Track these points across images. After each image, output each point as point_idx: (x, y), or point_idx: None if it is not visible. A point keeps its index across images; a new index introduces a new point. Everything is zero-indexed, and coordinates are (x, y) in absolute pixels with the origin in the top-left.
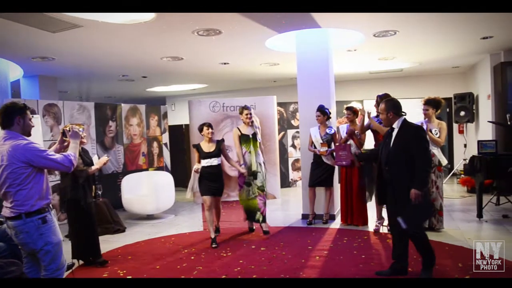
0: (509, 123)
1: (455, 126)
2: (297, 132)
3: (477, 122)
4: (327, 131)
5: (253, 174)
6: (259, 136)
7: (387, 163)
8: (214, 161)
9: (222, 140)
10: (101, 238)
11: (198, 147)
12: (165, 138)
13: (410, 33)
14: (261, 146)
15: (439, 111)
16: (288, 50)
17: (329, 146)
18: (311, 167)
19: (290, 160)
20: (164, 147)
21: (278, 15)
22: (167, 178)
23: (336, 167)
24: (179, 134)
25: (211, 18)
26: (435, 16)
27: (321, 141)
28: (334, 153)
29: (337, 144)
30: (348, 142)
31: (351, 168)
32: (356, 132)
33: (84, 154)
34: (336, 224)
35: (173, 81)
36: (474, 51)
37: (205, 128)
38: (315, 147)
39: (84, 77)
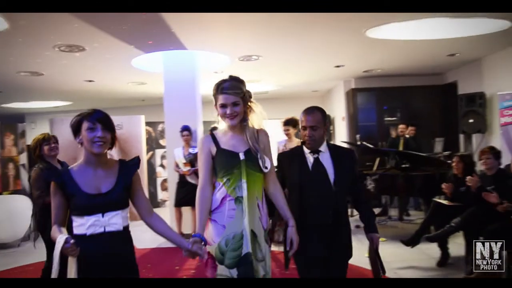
0: (358, 142)
1: None
2: (166, 152)
3: (334, 142)
4: (190, 150)
5: None
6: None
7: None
8: None
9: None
10: None
11: None
12: (23, 158)
13: (272, 58)
14: None
15: (295, 130)
16: (156, 70)
17: (192, 165)
18: (177, 187)
19: (159, 180)
20: (21, 168)
21: (145, 34)
22: (24, 202)
23: None
24: None
25: (74, 34)
26: (294, 44)
27: (184, 161)
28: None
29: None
30: None
31: None
32: None
33: None
34: None
35: (33, 97)
36: (329, 77)
37: None
38: (179, 167)
39: None
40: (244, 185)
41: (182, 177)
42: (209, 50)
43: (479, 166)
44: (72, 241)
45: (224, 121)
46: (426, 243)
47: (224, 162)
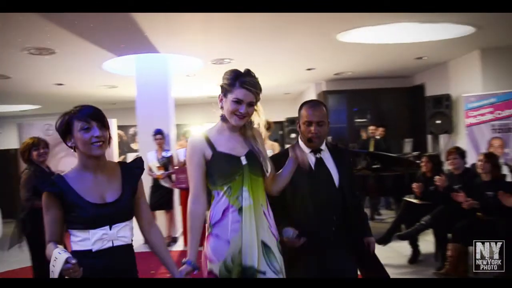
0: None
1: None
2: (138, 155)
3: None
4: (163, 154)
5: None
6: None
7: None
8: None
9: None
10: None
11: None
12: None
13: (244, 61)
14: None
15: (269, 133)
16: (127, 73)
17: (166, 169)
18: (150, 191)
19: None
20: None
21: (117, 37)
22: None
23: (176, 190)
24: (6, 160)
25: (43, 37)
26: (266, 47)
27: (158, 165)
28: (174, 176)
29: (176, 167)
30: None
31: None
32: None
33: None
34: (179, 246)
35: None
36: (301, 80)
37: None
38: (152, 171)
39: None
40: (246, 194)
41: (155, 181)
42: (182, 53)
43: (447, 166)
44: (74, 261)
45: (229, 119)
46: (398, 241)
47: (224, 168)
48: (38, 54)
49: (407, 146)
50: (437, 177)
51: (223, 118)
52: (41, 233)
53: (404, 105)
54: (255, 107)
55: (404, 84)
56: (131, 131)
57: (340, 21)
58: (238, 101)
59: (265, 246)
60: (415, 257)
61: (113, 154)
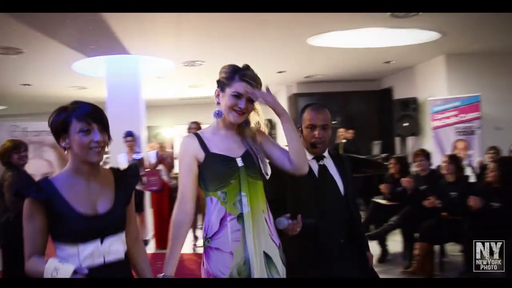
0: None
1: None
2: (108, 158)
3: None
4: (134, 156)
5: None
6: None
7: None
8: None
9: None
10: None
11: None
12: None
13: (216, 63)
14: None
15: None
16: (98, 74)
17: None
18: None
19: None
20: None
21: (87, 38)
22: None
23: (148, 192)
24: None
25: (10, 36)
26: (237, 50)
27: None
28: (145, 178)
29: (147, 170)
30: (158, 168)
31: (161, 192)
32: (166, 157)
33: None
34: (151, 249)
35: None
36: (272, 82)
37: None
38: None
39: None
40: (245, 199)
41: None
42: (153, 55)
43: (414, 168)
44: (86, 271)
45: (227, 115)
46: None
47: (218, 171)
48: (4, 53)
49: (376, 148)
50: (404, 179)
51: (218, 114)
52: (22, 242)
53: (373, 108)
54: (256, 105)
55: (373, 88)
56: None
57: (311, 25)
58: (237, 95)
59: (266, 256)
60: (384, 257)
61: None
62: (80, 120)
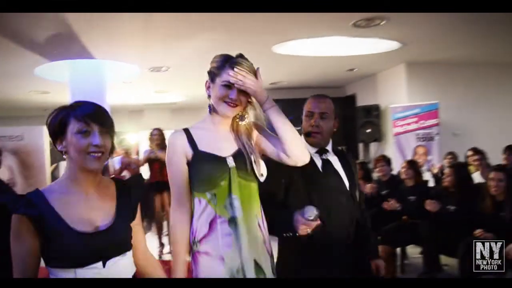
0: None
1: None
2: None
3: None
4: None
5: None
6: None
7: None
8: None
9: None
10: None
11: None
12: None
13: (181, 69)
14: None
15: None
16: (60, 79)
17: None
18: None
19: None
20: None
21: (50, 42)
22: None
23: None
24: None
25: None
26: (203, 56)
27: None
28: None
29: (112, 176)
30: (123, 174)
31: None
32: (131, 163)
33: None
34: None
35: None
36: None
37: None
38: None
39: None
40: (237, 202)
41: None
42: (119, 60)
43: (375, 173)
44: None
45: (217, 107)
46: None
47: (206, 171)
48: None
49: None
50: (367, 185)
51: (211, 109)
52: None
53: (338, 114)
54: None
55: (336, 94)
56: None
57: (276, 33)
58: (228, 85)
59: (257, 266)
60: None
61: (45, 161)
62: (79, 120)
